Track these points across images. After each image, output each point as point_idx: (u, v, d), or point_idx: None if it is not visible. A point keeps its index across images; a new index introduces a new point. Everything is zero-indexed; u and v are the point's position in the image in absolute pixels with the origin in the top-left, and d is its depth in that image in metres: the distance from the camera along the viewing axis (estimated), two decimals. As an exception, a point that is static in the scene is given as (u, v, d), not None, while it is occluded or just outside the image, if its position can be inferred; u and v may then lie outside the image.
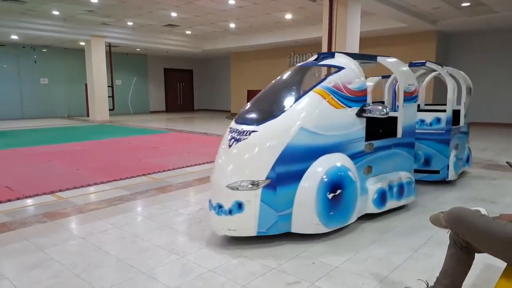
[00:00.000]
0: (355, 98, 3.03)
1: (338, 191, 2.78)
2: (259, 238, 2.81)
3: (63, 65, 15.85)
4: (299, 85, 3.17)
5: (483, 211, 1.75)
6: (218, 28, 12.80)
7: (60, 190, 4.37)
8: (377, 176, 3.28)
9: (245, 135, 2.77)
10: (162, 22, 11.97)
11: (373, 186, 3.20)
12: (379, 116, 2.93)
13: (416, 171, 4.27)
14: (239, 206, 2.64)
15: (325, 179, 2.72)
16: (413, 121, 3.64)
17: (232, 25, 12.37)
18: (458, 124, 4.76)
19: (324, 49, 7.22)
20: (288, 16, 10.82)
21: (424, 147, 4.42)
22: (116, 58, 15.87)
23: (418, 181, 4.21)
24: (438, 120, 4.38)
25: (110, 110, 14.07)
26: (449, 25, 10.99)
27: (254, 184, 2.62)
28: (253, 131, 2.76)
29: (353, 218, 2.99)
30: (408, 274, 2.33)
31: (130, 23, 12.50)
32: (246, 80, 16.51)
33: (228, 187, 2.65)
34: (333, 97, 2.91)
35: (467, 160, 5.08)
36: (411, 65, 4.55)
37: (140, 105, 18.33)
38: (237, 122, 2.98)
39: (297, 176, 2.73)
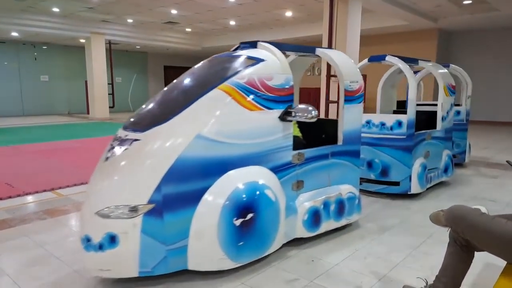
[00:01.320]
0: (276, 98, 2.44)
1: (250, 215, 2.21)
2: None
3: (63, 63, 15.83)
4: (207, 81, 2.45)
5: (483, 209, 1.74)
6: (218, 25, 12.77)
7: (60, 187, 4.37)
8: (310, 192, 2.73)
9: (127, 144, 2.19)
10: (162, 19, 11.94)
11: (304, 204, 2.64)
12: (306, 121, 2.42)
13: (373, 181, 3.90)
14: (112, 239, 2.02)
15: (231, 201, 2.15)
16: (357, 125, 3.05)
17: (232, 23, 12.34)
18: (435, 127, 4.28)
19: (325, 46, 7.20)
20: (289, 13, 10.79)
21: (382, 155, 3.81)
22: (116, 55, 15.83)
23: (377, 194, 3.96)
24: (400, 123, 3.78)
25: (110, 107, 14.06)
26: (450, 23, 10.96)
27: (132, 210, 2.01)
28: (135, 140, 2.18)
29: (275, 245, 2.44)
30: (407, 272, 2.33)
31: (130, 21, 12.47)
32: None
33: (97, 214, 2.04)
34: (246, 96, 2.32)
35: (446, 170, 4.39)
36: (371, 59, 4.19)
37: (140, 103, 18.11)
38: (124, 127, 2.39)
39: (193, 198, 2.13)
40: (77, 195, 4.07)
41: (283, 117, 2.47)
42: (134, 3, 9.90)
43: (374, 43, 11.60)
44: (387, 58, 3.99)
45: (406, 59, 4.06)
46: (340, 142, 2.94)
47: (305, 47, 3.11)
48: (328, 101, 6.93)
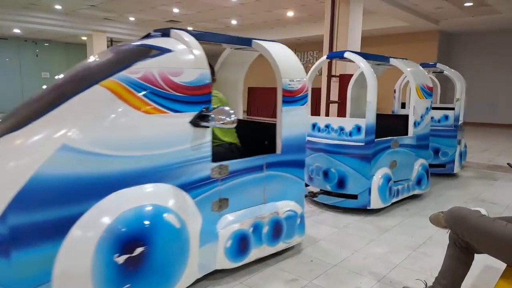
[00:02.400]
0: (187, 98, 1.94)
1: (139, 250, 1.71)
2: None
3: (65, 60, 15.84)
4: (89, 76, 1.91)
5: (483, 211, 1.74)
6: (219, 24, 12.77)
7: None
8: (238, 212, 2.25)
9: None
10: (164, 18, 11.94)
11: (227, 228, 2.16)
12: (223, 126, 1.99)
13: (329, 193, 3.52)
14: None
15: (111, 232, 1.66)
16: (300, 131, 2.59)
17: (234, 22, 12.34)
18: (407, 133, 3.82)
19: (326, 47, 7.20)
20: (290, 13, 10.79)
21: (338, 164, 3.38)
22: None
23: (334, 207, 3.55)
24: (359, 129, 3.34)
25: (110, 105, 14.07)
26: (451, 25, 10.96)
27: None
28: None
29: (182, 283, 1.95)
30: (406, 274, 2.33)
31: (132, 19, 12.47)
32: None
33: None
34: (140, 94, 1.81)
35: (419, 182, 3.87)
36: (329, 56, 3.81)
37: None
38: None
39: (57, 230, 1.61)
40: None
41: (196, 122, 1.97)
42: (136, 1, 9.90)
43: (375, 44, 11.59)
44: (345, 54, 3.60)
45: (375, 57, 3.80)
46: (278, 151, 2.47)
47: (239, 39, 2.62)
48: (328, 101, 6.93)
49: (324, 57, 3.92)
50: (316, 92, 6.54)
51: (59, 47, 15.58)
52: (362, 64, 3.42)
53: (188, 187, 1.99)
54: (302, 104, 2.57)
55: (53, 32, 12.74)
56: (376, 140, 3.36)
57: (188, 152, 1.97)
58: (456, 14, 9.76)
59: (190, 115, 1.96)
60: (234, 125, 2.00)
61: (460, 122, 4.96)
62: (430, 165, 4.42)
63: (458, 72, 5.29)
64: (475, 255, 1.76)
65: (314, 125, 3.70)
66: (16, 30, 12.57)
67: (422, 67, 4.72)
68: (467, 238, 1.67)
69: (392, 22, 10.55)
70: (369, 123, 3.29)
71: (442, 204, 3.76)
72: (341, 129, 3.48)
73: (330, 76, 6.87)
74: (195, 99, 1.99)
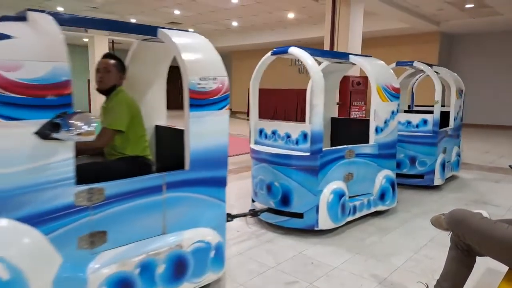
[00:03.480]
0: (28, 101, 1.47)
1: None
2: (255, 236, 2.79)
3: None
4: None
5: (485, 213, 1.73)
6: (220, 26, 12.79)
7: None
8: (120, 248, 1.76)
9: None
10: (165, 19, 11.97)
11: (101, 272, 1.66)
12: (77, 139, 1.52)
13: (274, 211, 3.00)
14: None
15: None
16: (217, 143, 2.07)
17: (235, 24, 12.36)
18: (367, 141, 3.34)
19: (327, 48, 7.20)
20: (291, 15, 10.80)
21: (282, 177, 2.88)
22: (119, 55, 15.82)
23: (278, 227, 3.03)
24: (305, 136, 2.87)
25: (112, 106, 14.12)
26: (452, 27, 10.96)
27: None
28: None
29: None
30: (408, 276, 2.32)
31: (133, 20, 12.50)
32: (247, 78, 16.34)
33: None
34: None
35: (382, 197, 3.37)
36: (273, 52, 3.17)
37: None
38: None
39: None
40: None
41: (44, 133, 1.49)
42: (137, 3, 9.93)
43: (376, 45, 11.59)
44: (289, 50, 3.03)
45: (332, 54, 3.59)
46: (186, 167, 1.98)
47: (142, 27, 2.16)
48: (329, 103, 6.92)
49: (269, 53, 3.25)
50: (300, 93, 6.30)
51: (60, 48, 15.61)
52: (309, 62, 2.88)
53: (36, 220, 1.51)
54: (220, 109, 2.07)
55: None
56: (326, 149, 2.89)
57: (34, 173, 1.49)
58: (457, 16, 9.76)
59: (34, 124, 1.48)
60: (91, 137, 1.53)
61: (450, 127, 4.61)
62: (406, 176, 4.32)
63: (456, 73, 5.25)
64: (477, 257, 1.75)
65: (261, 131, 3.23)
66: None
67: (398, 65, 4.58)
68: (468, 241, 1.66)
69: (393, 24, 10.55)
70: (315, 130, 2.76)
71: (443, 206, 3.75)
72: (288, 136, 3.00)
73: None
74: (43, 102, 1.50)
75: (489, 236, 1.57)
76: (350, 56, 3.50)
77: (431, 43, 11.53)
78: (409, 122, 4.37)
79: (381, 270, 2.40)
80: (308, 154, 2.82)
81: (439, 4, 8.61)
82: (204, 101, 2.01)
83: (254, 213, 2.98)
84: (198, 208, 2.05)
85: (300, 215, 2.89)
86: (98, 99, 13.63)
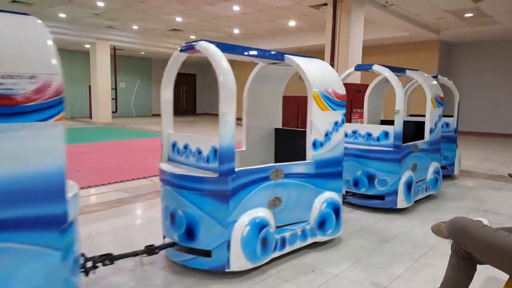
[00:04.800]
0: None
1: None
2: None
3: (68, 67, 15.96)
4: None
5: (485, 221, 1.73)
6: (222, 33, 12.88)
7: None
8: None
9: None
10: (166, 26, 12.06)
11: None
12: None
13: (179, 247, 2.43)
14: None
15: None
16: (39, 168, 1.48)
17: (236, 31, 12.44)
18: (304, 158, 2.75)
19: (327, 56, 7.25)
20: (292, 23, 10.88)
21: (186, 204, 2.30)
22: (121, 61, 15.97)
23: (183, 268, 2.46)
24: (215, 152, 2.26)
25: (112, 112, 14.15)
26: (452, 35, 11.03)
27: None
28: None
29: None
30: (408, 284, 2.31)
31: (135, 27, 12.60)
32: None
33: None
34: None
35: (322, 226, 2.75)
36: (182, 49, 2.52)
37: (142, 108, 18.46)
38: None
39: None
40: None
41: None
42: (139, 10, 10.01)
43: (376, 53, 11.67)
44: (197, 45, 2.39)
45: (236, 48, 2.69)
46: None
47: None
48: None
49: (177, 50, 2.62)
50: (301, 100, 5.90)
51: (63, 55, 15.69)
52: (216, 58, 2.27)
53: None
54: (44, 119, 1.48)
55: (57, 40, 12.74)
56: (239, 170, 2.25)
57: None
58: (457, 25, 9.84)
59: None
60: None
61: (424, 140, 4.04)
62: (365, 196, 3.73)
63: (456, 81, 5.37)
64: (478, 265, 1.75)
65: (173, 145, 2.64)
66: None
67: (356, 69, 4.09)
68: (469, 249, 1.66)
69: (393, 32, 10.63)
70: (224, 144, 2.14)
71: (443, 214, 3.74)
72: (199, 152, 2.40)
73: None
74: None
75: (490, 244, 1.57)
76: (286, 56, 2.80)
77: (430, 51, 11.60)
78: (369, 135, 3.81)
79: (381, 278, 2.40)
80: (216, 175, 2.20)
81: (438, 13, 8.68)
82: (8, 108, 1.40)
83: (148, 251, 2.34)
84: (11, 267, 1.38)
85: (207, 253, 2.30)
86: (100, 106, 13.66)
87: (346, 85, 6.52)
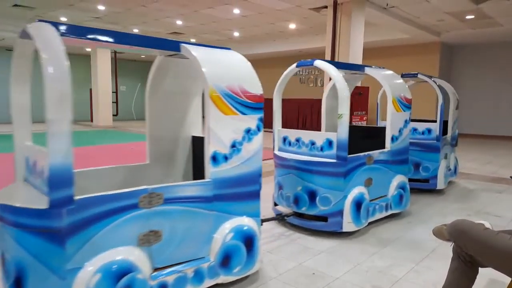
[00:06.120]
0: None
1: None
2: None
3: (69, 71, 16.04)
4: None
5: (487, 224, 1.72)
6: (222, 36, 12.91)
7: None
8: None
9: None
10: (167, 29, 12.09)
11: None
12: None
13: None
14: None
15: None
16: None
17: (236, 34, 12.48)
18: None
19: (328, 59, 7.25)
20: (292, 25, 10.90)
21: (15, 248, 1.80)
22: (121, 64, 16.02)
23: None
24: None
25: (113, 115, 14.17)
26: (453, 37, 11.03)
27: None
28: None
29: None
30: (409, 287, 2.29)
31: (136, 30, 12.63)
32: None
33: None
34: None
35: (225, 263, 2.14)
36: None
37: (143, 111, 18.47)
38: None
39: None
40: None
41: None
42: (140, 14, 10.05)
43: (377, 56, 11.67)
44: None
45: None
46: None
47: None
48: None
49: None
50: (318, 103, 5.93)
51: (63, 58, 15.79)
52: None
53: None
54: None
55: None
56: (82, 198, 1.68)
57: None
58: (458, 27, 9.83)
59: None
60: None
61: (385, 150, 3.47)
62: (308, 217, 3.18)
63: (457, 84, 5.22)
64: (480, 268, 1.73)
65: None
66: (22, 42, 12.77)
67: (298, 66, 3.63)
68: (471, 252, 1.65)
69: (394, 34, 10.63)
70: (54, 163, 1.59)
71: (445, 217, 3.72)
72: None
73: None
74: None
75: (492, 247, 1.56)
76: (182, 45, 2.29)
77: (431, 53, 11.60)
78: (313, 144, 3.30)
79: (382, 281, 2.38)
80: (44, 206, 1.63)
81: (439, 15, 8.68)
82: None
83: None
84: None
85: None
86: (101, 109, 13.69)
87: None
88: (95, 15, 10.46)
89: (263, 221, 2.73)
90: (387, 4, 7.67)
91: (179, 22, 10.94)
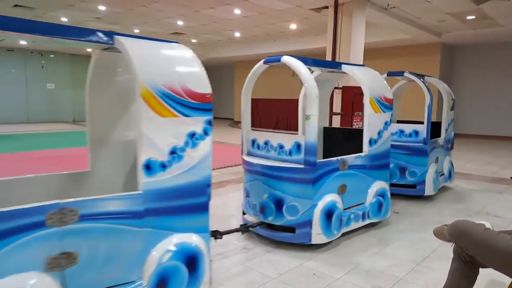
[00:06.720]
0: None
1: None
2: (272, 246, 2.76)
3: (70, 71, 16.06)
4: None
5: (488, 225, 1.72)
6: (223, 36, 12.92)
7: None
8: None
9: None
10: (168, 30, 12.10)
11: None
12: None
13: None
14: None
15: None
16: None
17: (237, 34, 12.48)
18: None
19: (329, 59, 7.25)
20: (293, 26, 10.91)
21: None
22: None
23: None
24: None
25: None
26: (454, 38, 11.02)
27: None
28: None
29: None
30: (410, 288, 2.30)
31: (136, 31, 12.64)
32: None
33: None
34: None
35: (161, 286, 1.85)
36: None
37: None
38: None
39: None
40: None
41: None
42: (141, 14, 10.06)
43: (377, 56, 11.66)
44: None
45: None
46: None
47: None
48: (331, 113, 6.94)
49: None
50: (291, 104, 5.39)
51: (64, 58, 15.80)
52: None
53: None
54: None
55: (58, 44, 12.95)
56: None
57: None
58: (459, 27, 9.83)
59: None
60: None
61: (363, 154, 3.21)
62: (275, 227, 2.93)
63: (457, 84, 5.09)
64: (480, 269, 1.73)
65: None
66: (23, 42, 12.79)
67: (265, 63, 3.30)
68: (471, 252, 1.65)
69: (394, 35, 10.63)
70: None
71: (445, 217, 3.72)
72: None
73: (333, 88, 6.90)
74: None
75: (492, 247, 1.56)
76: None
77: (432, 54, 11.59)
78: (281, 147, 3.10)
79: (383, 281, 2.38)
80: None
81: (440, 15, 8.68)
82: None
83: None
84: None
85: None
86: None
87: (345, 87, 6.09)
88: (95, 16, 10.47)
89: (222, 234, 2.55)
90: (388, 5, 7.67)
91: (180, 23, 10.95)
